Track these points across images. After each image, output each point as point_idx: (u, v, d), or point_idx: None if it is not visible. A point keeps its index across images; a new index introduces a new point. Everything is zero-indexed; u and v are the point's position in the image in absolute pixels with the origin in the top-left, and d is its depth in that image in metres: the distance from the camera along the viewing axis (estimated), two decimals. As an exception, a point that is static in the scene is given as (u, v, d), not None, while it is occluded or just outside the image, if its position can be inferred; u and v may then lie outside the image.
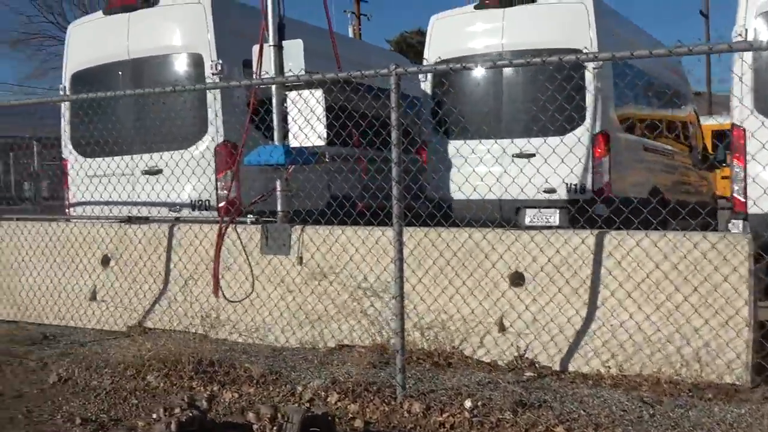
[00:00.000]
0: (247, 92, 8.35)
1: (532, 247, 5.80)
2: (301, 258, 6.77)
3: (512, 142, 8.50)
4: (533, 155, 8.05)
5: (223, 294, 6.99)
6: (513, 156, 8.55)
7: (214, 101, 8.19)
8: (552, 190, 8.33)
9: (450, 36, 9.59)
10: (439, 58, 9.56)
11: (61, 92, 9.34)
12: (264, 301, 6.85)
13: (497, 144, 8.13)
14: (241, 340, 6.81)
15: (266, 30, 7.03)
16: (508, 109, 9.10)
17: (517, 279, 5.86)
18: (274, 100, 6.90)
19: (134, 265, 7.68)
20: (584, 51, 8.14)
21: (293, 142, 5.59)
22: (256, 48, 7.11)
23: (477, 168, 7.41)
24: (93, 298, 7.82)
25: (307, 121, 5.34)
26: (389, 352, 5.93)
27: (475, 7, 9.46)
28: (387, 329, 6.11)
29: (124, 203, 8.55)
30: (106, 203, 8.60)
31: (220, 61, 8.17)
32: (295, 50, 6.84)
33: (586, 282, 5.57)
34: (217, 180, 8.25)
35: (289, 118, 5.52)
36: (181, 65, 8.51)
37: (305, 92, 5.49)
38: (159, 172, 8.46)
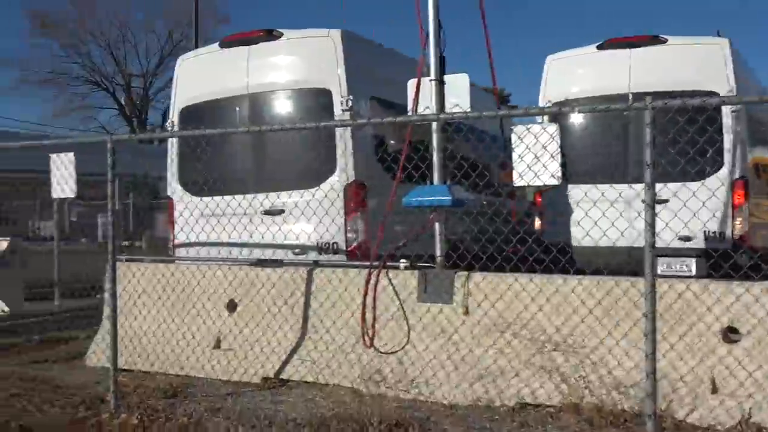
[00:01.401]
0: (375, 131, 8.03)
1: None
2: (466, 307, 6.28)
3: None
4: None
5: (375, 347, 6.50)
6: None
7: (344, 139, 7.75)
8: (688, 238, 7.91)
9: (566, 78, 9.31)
10: (549, 102, 9.27)
11: (169, 128, 8.91)
12: (421, 354, 6.35)
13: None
14: (402, 396, 6.27)
15: (424, 64, 6.62)
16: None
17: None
18: (435, 137, 6.47)
19: (265, 310, 7.18)
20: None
21: (519, 182, 5.15)
22: (411, 83, 6.70)
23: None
24: (217, 346, 7.32)
25: (537, 159, 4.90)
26: (586, 412, 5.43)
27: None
28: (583, 388, 5.60)
29: (243, 245, 8.08)
30: (220, 244, 8.14)
31: (351, 97, 7.75)
32: (460, 85, 6.42)
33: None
34: (346, 222, 7.77)
35: (515, 155, 5.08)
36: (306, 101, 8.09)
37: (536, 127, 5.06)
38: (281, 212, 8.01)
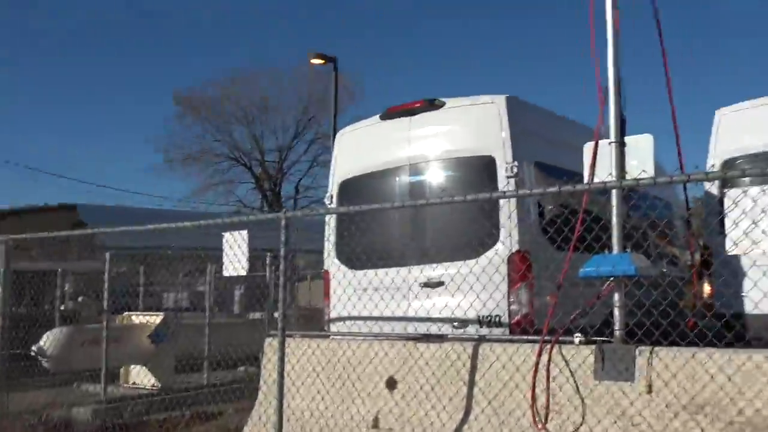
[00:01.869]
0: (538, 198, 7.70)
1: None
2: (650, 386, 5.75)
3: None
4: None
5: (547, 430, 6.04)
6: None
7: (507, 208, 7.44)
8: None
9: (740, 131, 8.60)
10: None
11: (327, 201, 8.88)
12: (601, 436, 5.84)
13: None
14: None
15: (601, 123, 6.29)
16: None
17: None
18: (615, 204, 6.08)
19: (428, 389, 6.84)
20: None
21: (734, 250, 4.67)
22: (588, 146, 6.36)
23: None
24: (376, 425, 7.01)
25: (755, 224, 4.45)
26: None
27: None
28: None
29: (400, 319, 7.83)
30: (377, 319, 7.91)
31: (516, 163, 7.48)
32: (642, 147, 6.04)
33: None
34: (509, 293, 7.39)
35: (728, 221, 4.66)
36: (469, 169, 7.86)
37: (754, 189, 4.62)
38: (440, 284, 7.73)
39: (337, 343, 7.57)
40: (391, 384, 7.09)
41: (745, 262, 7.93)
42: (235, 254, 6.70)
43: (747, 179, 7.81)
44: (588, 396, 5.99)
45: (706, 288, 8.81)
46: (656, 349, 5.79)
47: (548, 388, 6.08)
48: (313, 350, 7.64)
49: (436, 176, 8.11)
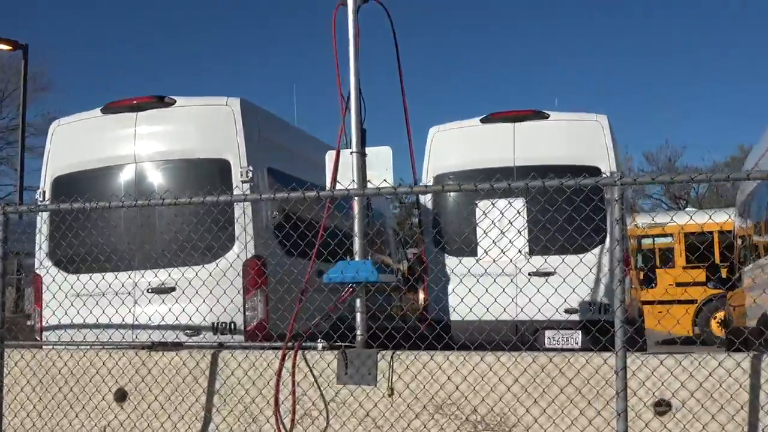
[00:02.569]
0: (272, 204, 7.69)
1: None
2: (392, 389, 5.99)
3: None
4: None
5: (288, 432, 6.06)
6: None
7: (242, 213, 7.34)
8: (573, 311, 7.96)
9: (452, 150, 9.26)
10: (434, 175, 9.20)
11: (39, 197, 8.11)
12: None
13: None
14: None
15: (343, 133, 6.42)
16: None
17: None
18: (356, 212, 6.25)
19: (164, 399, 6.54)
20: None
21: (485, 258, 4.95)
22: (330, 154, 6.47)
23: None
24: (106, 441, 6.57)
25: (502, 233, 4.75)
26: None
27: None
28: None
29: (126, 326, 7.39)
30: (99, 326, 7.40)
31: (251, 168, 7.39)
32: (382, 158, 6.27)
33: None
34: (245, 300, 7.30)
35: (479, 231, 4.91)
36: (202, 171, 7.61)
37: (502, 202, 4.92)
38: (171, 290, 7.42)
39: (58, 353, 6.96)
40: (121, 396, 6.68)
41: (452, 274, 8.54)
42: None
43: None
44: (332, 400, 6.09)
45: (420, 295, 9.37)
46: (397, 352, 6.05)
47: (294, 393, 6.09)
48: (28, 362, 6.99)
49: (165, 177, 7.74)
